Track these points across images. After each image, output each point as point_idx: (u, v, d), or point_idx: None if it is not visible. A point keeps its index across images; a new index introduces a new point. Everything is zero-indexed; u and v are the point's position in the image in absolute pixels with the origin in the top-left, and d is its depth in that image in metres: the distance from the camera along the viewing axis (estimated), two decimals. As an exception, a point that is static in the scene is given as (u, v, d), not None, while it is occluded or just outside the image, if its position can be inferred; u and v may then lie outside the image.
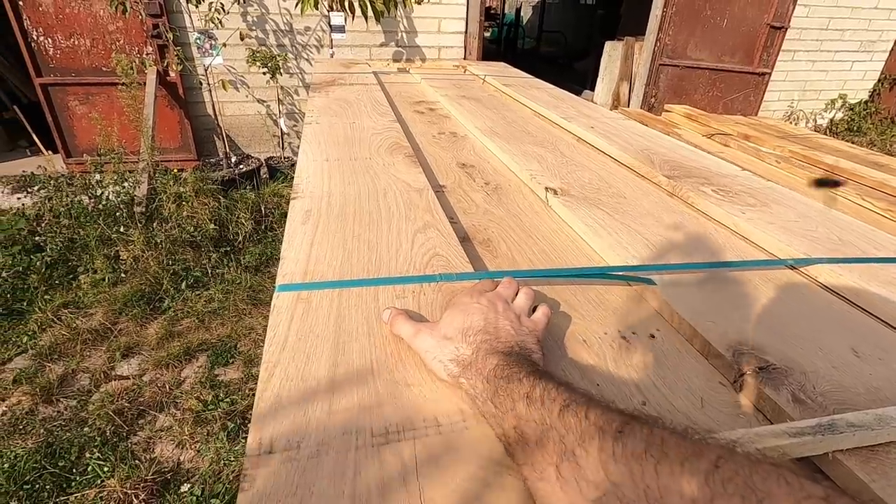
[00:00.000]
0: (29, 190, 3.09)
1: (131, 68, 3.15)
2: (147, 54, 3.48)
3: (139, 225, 2.66)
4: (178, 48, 3.32)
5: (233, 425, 1.74)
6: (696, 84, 4.85)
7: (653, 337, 0.57)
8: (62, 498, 1.48)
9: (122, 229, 2.63)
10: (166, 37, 3.27)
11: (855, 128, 5.57)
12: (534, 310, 0.55)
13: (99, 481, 1.52)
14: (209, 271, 2.57)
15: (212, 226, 2.74)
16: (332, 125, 1.25)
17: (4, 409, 1.77)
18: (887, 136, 5.30)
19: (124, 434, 1.70)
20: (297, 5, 3.07)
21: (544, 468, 0.35)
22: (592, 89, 5.75)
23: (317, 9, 3.06)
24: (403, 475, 0.38)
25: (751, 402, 0.48)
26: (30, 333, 2.11)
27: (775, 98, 5.32)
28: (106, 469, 1.55)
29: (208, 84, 3.43)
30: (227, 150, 3.69)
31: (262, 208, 3.12)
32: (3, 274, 2.35)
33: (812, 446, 0.40)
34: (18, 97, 4.15)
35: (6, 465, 1.54)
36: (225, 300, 2.38)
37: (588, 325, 0.58)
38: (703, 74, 4.81)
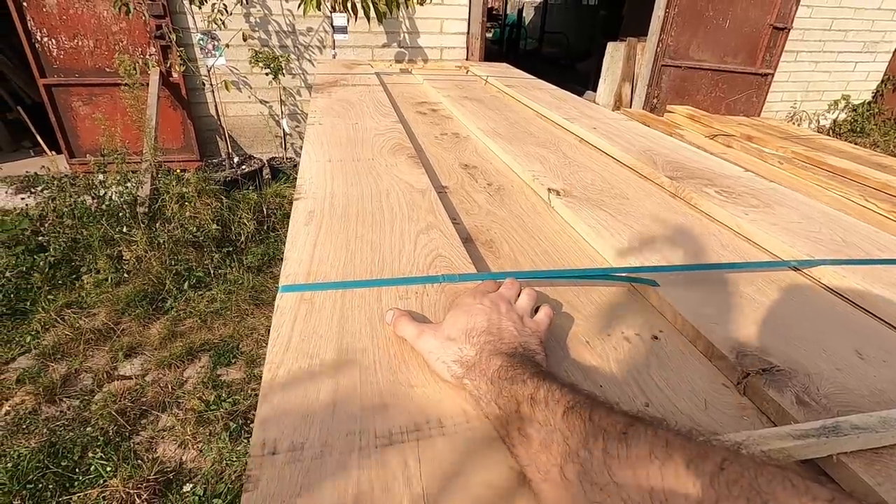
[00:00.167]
0: (32, 190, 3.10)
1: (134, 69, 3.16)
2: (150, 55, 3.49)
3: (142, 225, 2.67)
4: (182, 49, 3.34)
5: (235, 425, 1.75)
6: (698, 85, 4.84)
7: (656, 338, 0.57)
8: (65, 497, 1.49)
9: (124, 229, 2.64)
10: (169, 38, 3.28)
11: (858, 129, 5.56)
12: (536, 311, 0.55)
13: (102, 481, 1.52)
14: (212, 271, 2.57)
15: (214, 226, 2.75)
16: (335, 126, 1.25)
17: (8, 408, 1.78)
18: (890, 138, 5.28)
19: (127, 434, 1.70)
20: (299, 6, 3.08)
21: (548, 469, 0.35)
22: (594, 90, 5.75)
23: (319, 10, 3.07)
24: (407, 476, 0.38)
25: (754, 404, 0.48)
26: (33, 333, 2.12)
27: (778, 99, 5.31)
28: (108, 469, 1.56)
29: (211, 85, 3.44)
30: (230, 150, 3.70)
31: (265, 209, 3.13)
32: (7, 274, 2.36)
33: (816, 448, 0.40)
34: (22, 98, 4.17)
35: (9, 465, 1.55)
36: (227, 300, 2.39)
37: (591, 326, 0.58)
38: (706, 75, 4.80)
